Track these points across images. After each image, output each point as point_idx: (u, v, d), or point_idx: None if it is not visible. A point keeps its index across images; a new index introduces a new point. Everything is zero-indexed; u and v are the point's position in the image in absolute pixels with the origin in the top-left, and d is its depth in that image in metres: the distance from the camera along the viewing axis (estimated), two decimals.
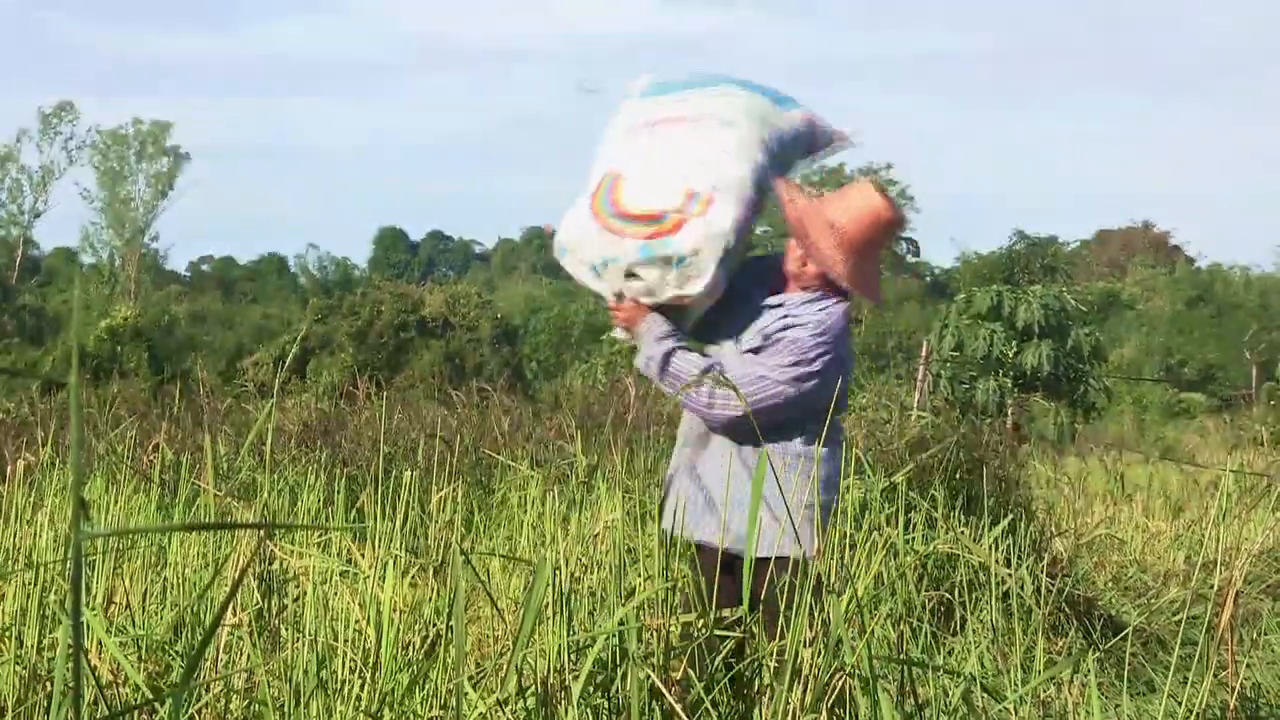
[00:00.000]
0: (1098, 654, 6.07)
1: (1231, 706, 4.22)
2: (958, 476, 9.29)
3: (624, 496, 6.21)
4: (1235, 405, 55.02)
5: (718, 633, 4.31)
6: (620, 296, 5.22)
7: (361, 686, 4.33)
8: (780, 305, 5.22)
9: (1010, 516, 7.85)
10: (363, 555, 5.08)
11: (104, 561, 5.57)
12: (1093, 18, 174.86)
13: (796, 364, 5.03)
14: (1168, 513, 14.43)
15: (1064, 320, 32.44)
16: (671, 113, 5.30)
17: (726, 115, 5.26)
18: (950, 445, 9.28)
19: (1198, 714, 4.14)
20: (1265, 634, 8.40)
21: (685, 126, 5.23)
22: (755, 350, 5.15)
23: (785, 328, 5.15)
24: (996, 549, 7.65)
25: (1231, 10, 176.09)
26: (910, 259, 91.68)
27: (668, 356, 5.12)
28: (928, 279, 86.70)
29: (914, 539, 7.85)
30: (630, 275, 5.14)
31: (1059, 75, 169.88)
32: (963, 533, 7.94)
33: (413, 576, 5.76)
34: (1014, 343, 31.62)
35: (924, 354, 18.26)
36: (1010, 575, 7.28)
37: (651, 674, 4.03)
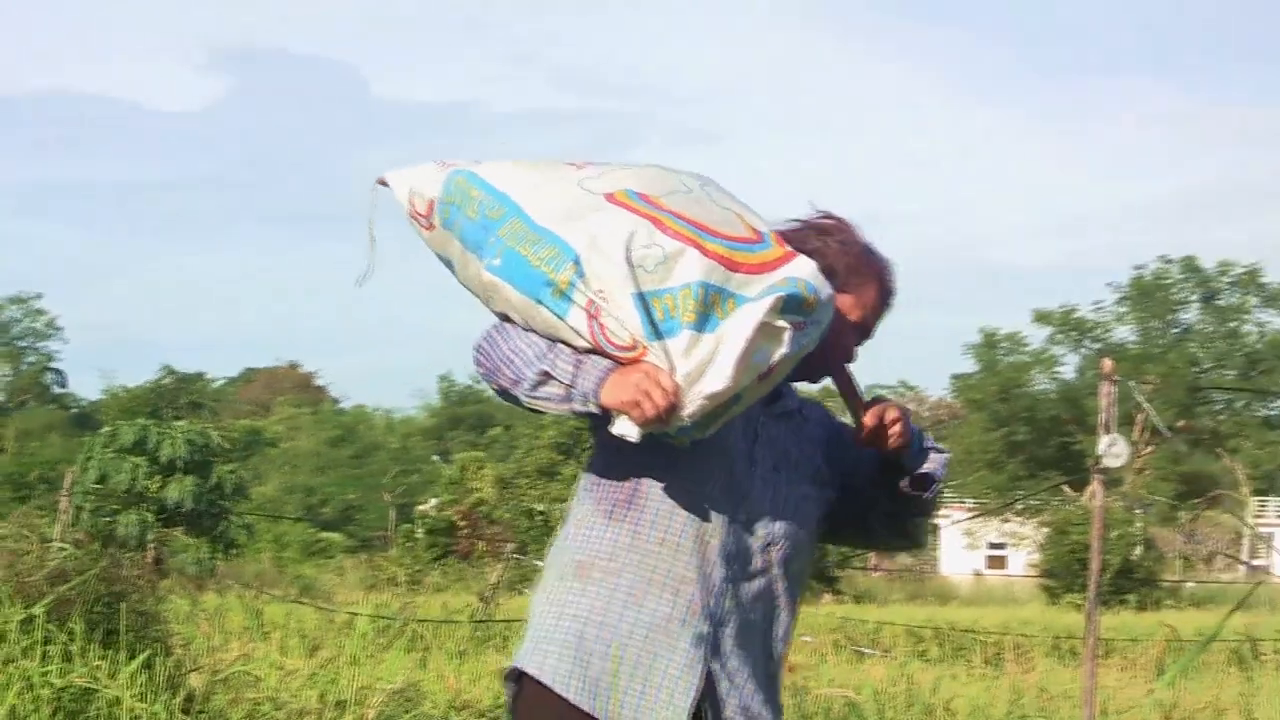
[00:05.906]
0: None
1: None
2: (97, 609, 9.20)
3: None
4: (373, 545, 56.70)
5: None
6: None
7: None
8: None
9: (149, 651, 7.87)
10: None
11: None
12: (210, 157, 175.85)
13: None
14: (304, 651, 14.72)
15: (208, 456, 32.57)
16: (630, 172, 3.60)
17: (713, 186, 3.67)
18: (90, 578, 9.19)
19: None
20: None
21: (671, 175, 3.61)
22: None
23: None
24: (134, 683, 7.66)
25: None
26: (56, 389, 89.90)
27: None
28: (74, 410, 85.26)
29: (51, 672, 7.73)
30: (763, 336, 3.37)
31: (171, 214, 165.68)
32: (100, 666, 7.88)
33: None
34: (158, 477, 31.40)
35: (67, 485, 17.96)
36: (145, 710, 7.30)
37: None
